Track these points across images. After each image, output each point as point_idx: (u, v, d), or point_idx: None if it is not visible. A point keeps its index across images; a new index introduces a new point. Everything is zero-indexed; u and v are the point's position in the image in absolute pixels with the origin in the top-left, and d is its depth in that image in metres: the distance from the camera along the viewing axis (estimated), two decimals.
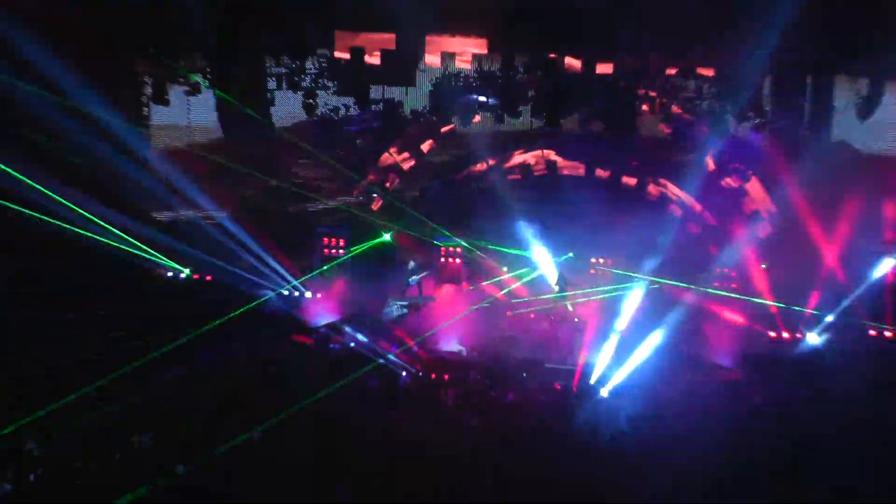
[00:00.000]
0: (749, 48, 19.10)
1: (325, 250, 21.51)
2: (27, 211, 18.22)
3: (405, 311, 20.99)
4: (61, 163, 19.24)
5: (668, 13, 18.97)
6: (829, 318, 18.95)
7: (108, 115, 19.84)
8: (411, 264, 21.53)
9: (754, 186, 21.02)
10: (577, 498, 13.67)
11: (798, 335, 19.10)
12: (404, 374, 18.07)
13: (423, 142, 22.00)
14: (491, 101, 21.23)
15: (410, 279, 21.42)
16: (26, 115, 18.70)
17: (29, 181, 18.17)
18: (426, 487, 13.53)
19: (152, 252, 20.23)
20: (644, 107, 21.41)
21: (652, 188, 21.31)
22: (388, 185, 21.97)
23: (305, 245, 21.76)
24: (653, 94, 21.36)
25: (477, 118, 21.55)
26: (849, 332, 18.90)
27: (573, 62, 21.05)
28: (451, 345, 19.44)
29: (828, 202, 19.55)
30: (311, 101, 21.54)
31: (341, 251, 21.45)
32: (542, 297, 20.80)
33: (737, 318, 19.29)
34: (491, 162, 21.51)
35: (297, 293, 21.08)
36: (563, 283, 20.33)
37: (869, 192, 19.58)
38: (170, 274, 20.92)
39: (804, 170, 20.02)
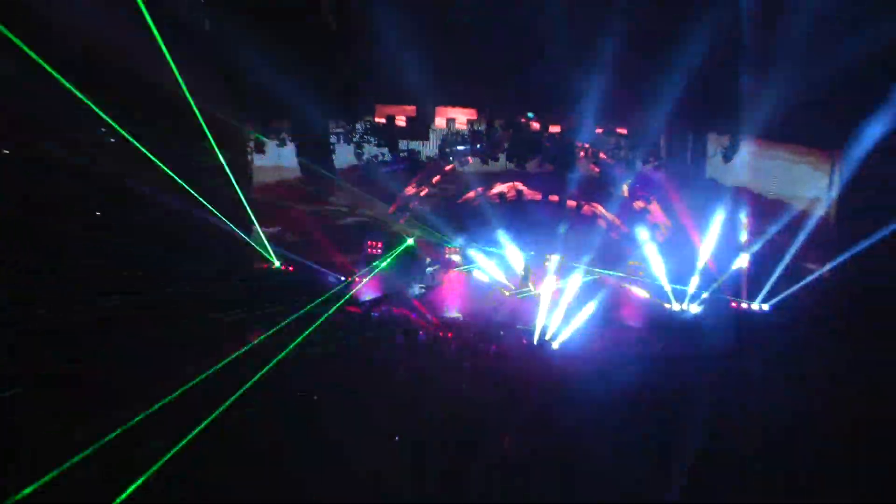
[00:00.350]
0: (650, 116, 18.95)
1: (370, 250, 21.24)
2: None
3: (424, 290, 20.75)
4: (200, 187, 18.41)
5: (597, 92, 18.35)
6: (704, 295, 18.91)
7: (227, 159, 19.13)
8: (428, 260, 21.18)
9: (654, 207, 20.60)
10: (531, 409, 14.49)
11: (684, 307, 19.08)
12: (421, 332, 18.27)
13: (433, 178, 21.64)
14: (479, 149, 20.82)
15: (427, 270, 21.10)
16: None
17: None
18: (435, 407, 14.20)
19: (259, 250, 20.02)
20: (581, 154, 20.63)
21: (586, 209, 20.95)
22: (410, 206, 21.69)
23: (356, 247, 21.46)
24: (586, 145, 20.56)
25: (470, 161, 21.10)
26: (717, 305, 18.97)
27: (534, 124, 20.51)
28: (452, 313, 19.60)
29: (703, 217, 19.34)
30: (360, 150, 20.97)
31: (379, 251, 21.21)
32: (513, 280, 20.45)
33: (643, 294, 19.49)
34: (479, 190, 21.18)
35: (350, 279, 20.72)
36: (527, 272, 20.27)
37: (730, 211, 19.27)
38: (275, 265, 20.53)
39: (687, 196, 19.86)
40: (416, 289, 20.82)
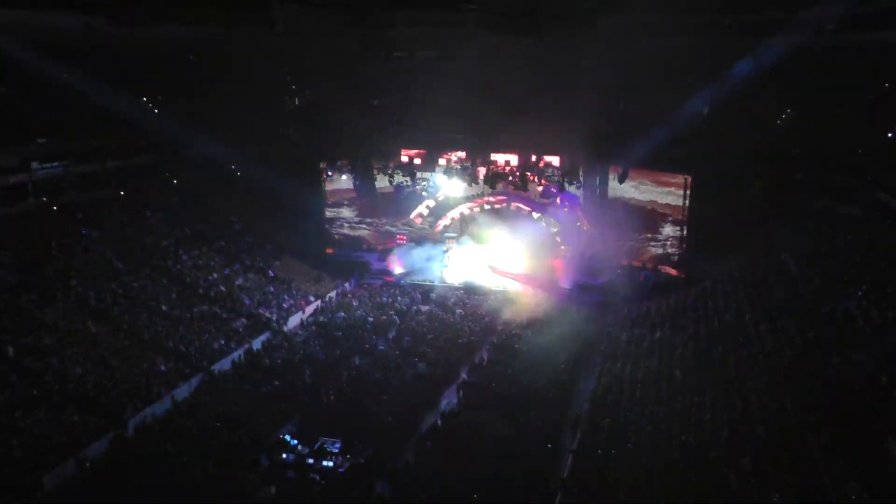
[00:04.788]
0: (571, 152, 22.01)
1: (398, 240, 24.50)
2: None
3: (444, 266, 22.84)
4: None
5: (540, 138, 21.43)
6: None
7: (308, 183, 23.45)
8: (445, 247, 23.16)
9: (578, 212, 23.00)
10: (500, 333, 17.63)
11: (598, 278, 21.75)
12: (433, 294, 21.45)
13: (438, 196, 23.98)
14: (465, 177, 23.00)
15: (444, 252, 23.17)
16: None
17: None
18: (442, 330, 17.69)
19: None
20: (530, 177, 22.38)
21: (533, 214, 23.36)
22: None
23: (389, 240, 24.81)
24: (533, 174, 22.50)
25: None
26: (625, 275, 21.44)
27: (498, 159, 22.77)
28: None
29: (605, 218, 22.21)
30: (391, 178, 23.44)
31: (405, 242, 24.40)
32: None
33: (567, 268, 22.28)
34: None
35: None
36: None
37: (623, 213, 21.78)
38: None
39: (596, 205, 22.83)
40: (437, 267, 22.96)
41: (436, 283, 22.95)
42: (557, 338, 17.14)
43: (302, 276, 22.68)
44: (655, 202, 22.15)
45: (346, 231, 25.55)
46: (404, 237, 24.88)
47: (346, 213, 25.18)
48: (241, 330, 17.87)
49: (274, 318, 19.07)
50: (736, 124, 19.92)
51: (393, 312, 20.02)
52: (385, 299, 21.38)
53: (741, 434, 10.21)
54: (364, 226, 25.21)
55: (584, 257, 22.17)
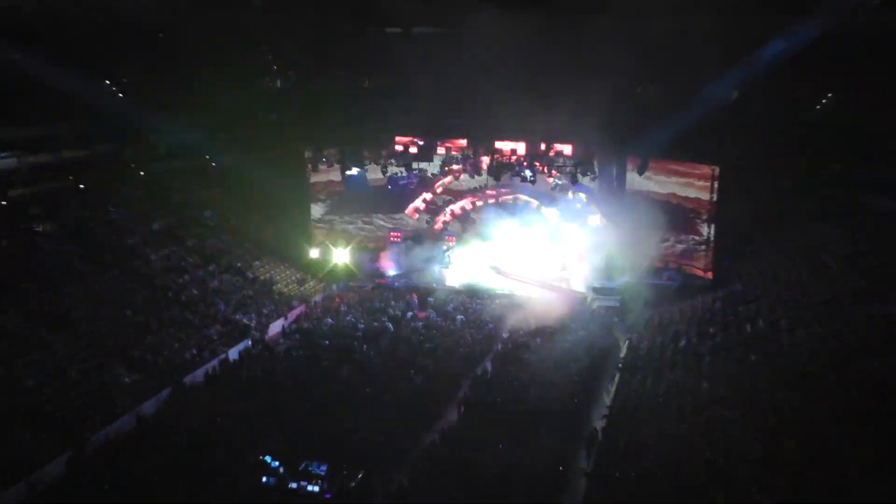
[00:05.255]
0: (585, 140, 21.97)
1: (391, 239, 24.66)
2: None
3: (445, 267, 23.02)
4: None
5: (552, 126, 21.39)
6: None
7: (291, 175, 23.46)
8: (445, 246, 23.31)
9: (593, 207, 23.19)
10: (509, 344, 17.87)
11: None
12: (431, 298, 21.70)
13: (437, 188, 24.45)
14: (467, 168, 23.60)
15: (445, 253, 23.29)
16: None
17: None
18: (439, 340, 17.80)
19: None
20: (539, 167, 22.73)
21: (543, 209, 23.78)
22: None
23: (383, 233, 24.96)
24: (543, 164, 22.83)
25: (461, 176, 23.73)
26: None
27: (504, 147, 23.09)
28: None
29: (623, 213, 22.19)
30: (384, 169, 23.69)
31: (399, 240, 24.57)
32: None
33: (580, 269, 22.48)
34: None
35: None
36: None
37: (643, 208, 21.61)
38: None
39: (613, 199, 22.85)
40: (436, 268, 23.07)
41: (434, 285, 23.14)
42: (570, 347, 17.26)
43: (284, 278, 22.74)
44: (676, 195, 22.30)
45: (333, 227, 25.70)
46: (399, 234, 25.01)
47: (332, 207, 25.29)
48: (215, 338, 17.93)
49: (252, 324, 19.19)
50: (768, 110, 19.93)
51: (386, 319, 20.08)
52: (377, 304, 21.47)
53: (774, 451, 10.16)
54: (353, 222, 25.41)
55: (599, 257, 22.27)
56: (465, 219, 24.80)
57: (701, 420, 11.85)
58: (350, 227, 25.56)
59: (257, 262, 22.97)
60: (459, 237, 24.13)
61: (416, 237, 24.63)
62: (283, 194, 23.67)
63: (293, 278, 22.95)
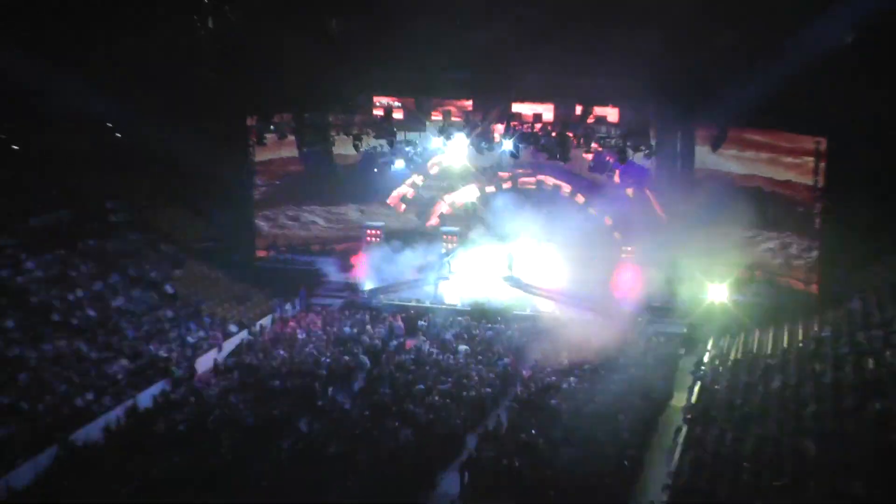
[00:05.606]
0: (637, 103, 21.93)
1: (368, 238, 25.23)
2: None
3: (443, 279, 23.40)
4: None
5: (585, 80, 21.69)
6: None
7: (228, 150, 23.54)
8: (444, 248, 23.61)
9: (649, 195, 23.41)
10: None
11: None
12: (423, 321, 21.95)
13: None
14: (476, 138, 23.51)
15: (444, 259, 23.58)
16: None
17: None
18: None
19: None
20: (573, 139, 22.16)
21: (579, 197, 24.37)
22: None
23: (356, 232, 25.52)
24: (578, 135, 22.36)
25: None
26: None
27: (524, 111, 22.74)
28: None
29: (690, 204, 22.05)
30: (357, 142, 23.31)
31: (379, 239, 25.15)
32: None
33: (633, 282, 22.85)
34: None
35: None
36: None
37: (718, 197, 21.48)
38: None
39: (676, 184, 22.81)
40: (431, 279, 23.16)
41: (428, 303, 23.30)
42: (617, 390, 17.24)
43: (217, 293, 22.82)
44: (765, 179, 22.49)
45: (288, 223, 25.93)
46: (378, 232, 25.29)
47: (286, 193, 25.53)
48: (120, 377, 17.85)
49: (173, 358, 19.14)
50: None
51: (361, 350, 20.13)
52: (348, 330, 21.57)
53: None
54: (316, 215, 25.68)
55: (657, 264, 22.41)
56: (470, 211, 24.88)
57: (807, 496, 11.68)
58: (313, 222, 25.77)
59: (179, 272, 23.14)
60: (463, 236, 24.48)
61: (404, 236, 24.81)
62: (218, 178, 23.80)
63: (230, 294, 23.10)
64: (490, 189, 25.55)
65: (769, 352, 18.30)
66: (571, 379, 18.30)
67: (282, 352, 20.06)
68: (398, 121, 23.81)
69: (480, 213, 25.17)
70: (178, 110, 22.84)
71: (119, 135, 24.65)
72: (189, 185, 23.83)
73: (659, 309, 22.10)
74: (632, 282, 22.77)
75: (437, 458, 15.42)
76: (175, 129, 22.22)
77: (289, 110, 24.01)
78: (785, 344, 18.39)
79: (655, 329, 21.29)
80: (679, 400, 17.62)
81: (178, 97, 23.20)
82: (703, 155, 22.97)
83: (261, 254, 25.70)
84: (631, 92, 21.18)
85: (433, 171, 25.42)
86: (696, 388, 17.54)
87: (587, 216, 23.76)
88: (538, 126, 23.17)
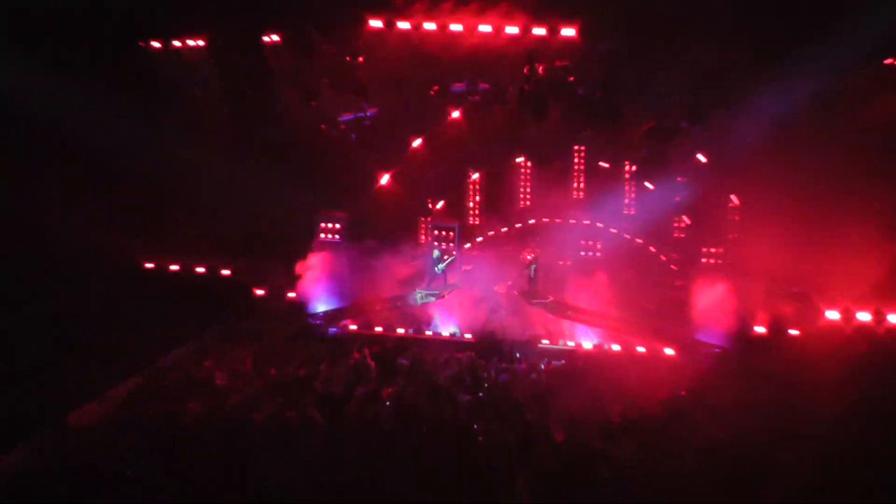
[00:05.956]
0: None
1: (324, 235, 25.43)
2: None
3: (431, 298, 23.62)
4: None
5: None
6: None
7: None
8: (436, 253, 23.89)
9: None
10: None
11: None
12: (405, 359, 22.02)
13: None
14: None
15: (437, 267, 23.87)
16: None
17: None
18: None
19: None
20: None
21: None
22: None
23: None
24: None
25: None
26: None
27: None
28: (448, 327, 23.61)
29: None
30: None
31: (339, 238, 25.37)
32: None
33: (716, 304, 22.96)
34: None
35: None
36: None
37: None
38: None
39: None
40: (420, 297, 23.63)
41: (411, 332, 23.79)
42: (692, 456, 17.07)
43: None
44: None
45: None
46: (339, 229, 25.59)
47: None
48: None
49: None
50: None
51: (312, 401, 19.84)
52: (295, 371, 21.56)
53: None
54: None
55: (750, 278, 22.53)
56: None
57: None
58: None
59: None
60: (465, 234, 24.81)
61: (385, 235, 25.19)
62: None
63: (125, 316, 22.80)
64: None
65: None
66: (625, 442, 18.07)
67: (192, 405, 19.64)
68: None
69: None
70: None
71: None
72: None
73: (753, 342, 22.18)
74: (713, 303, 22.79)
75: None
76: None
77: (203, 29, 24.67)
78: None
79: (751, 368, 20.89)
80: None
81: None
82: None
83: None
84: None
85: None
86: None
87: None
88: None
